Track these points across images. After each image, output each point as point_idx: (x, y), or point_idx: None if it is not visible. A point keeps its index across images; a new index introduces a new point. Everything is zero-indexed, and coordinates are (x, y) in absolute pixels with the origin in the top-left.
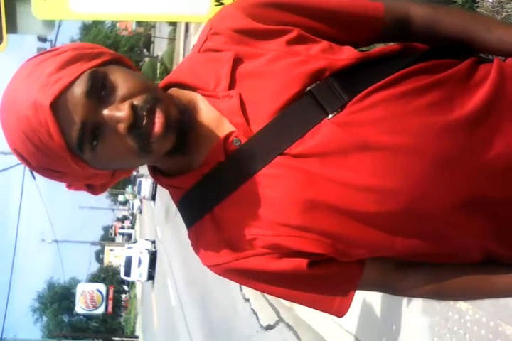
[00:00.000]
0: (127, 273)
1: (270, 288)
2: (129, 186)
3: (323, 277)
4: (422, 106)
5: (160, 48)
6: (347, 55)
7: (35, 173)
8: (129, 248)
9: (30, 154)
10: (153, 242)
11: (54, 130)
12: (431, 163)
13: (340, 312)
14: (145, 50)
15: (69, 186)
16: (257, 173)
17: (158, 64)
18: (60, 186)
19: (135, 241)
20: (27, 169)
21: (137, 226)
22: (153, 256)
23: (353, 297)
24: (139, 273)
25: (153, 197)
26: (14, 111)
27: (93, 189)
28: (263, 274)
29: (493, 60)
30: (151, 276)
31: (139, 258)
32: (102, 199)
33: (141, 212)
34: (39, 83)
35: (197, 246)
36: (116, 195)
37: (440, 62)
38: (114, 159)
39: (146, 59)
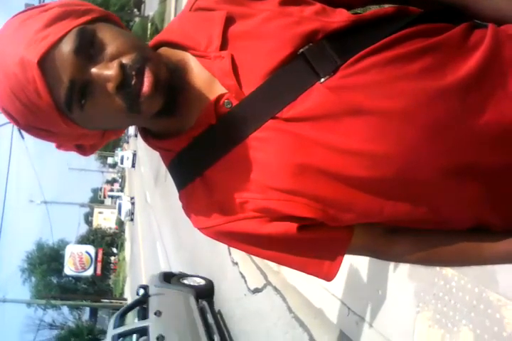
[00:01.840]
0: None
1: (260, 251)
2: (119, 149)
3: (312, 241)
4: (414, 71)
5: (151, 8)
6: (340, 17)
7: (23, 133)
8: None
9: (18, 112)
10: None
11: (42, 87)
12: (422, 128)
13: (328, 277)
14: (135, 10)
15: (59, 146)
16: (248, 137)
17: (149, 24)
18: (49, 147)
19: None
20: (15, 128)
21: (126, 189)
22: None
23: (341, 262)
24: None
25: (133, 165)
26: (1, 68)
27: (83, 149)
28: (253, 237)
29: (488, 25)
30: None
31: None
32: (92, 161)
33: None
34: (26, 40)
35: (188, 208)
36: (106, 158)
37: (434, 26)
38: (103, 118)
39: (137, 19)
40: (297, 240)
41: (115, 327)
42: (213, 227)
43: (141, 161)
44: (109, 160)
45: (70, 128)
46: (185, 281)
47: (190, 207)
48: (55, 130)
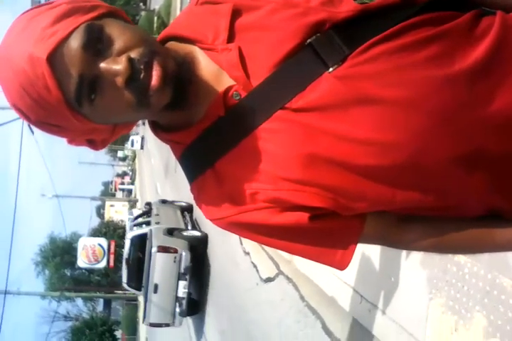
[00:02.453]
0: None
1: (272, 241)
2: (128, 142)
3: (324, 231)
4: (422, 59)
5: (156, 2)
6: (347, 7)
7: (34, 128)
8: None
9: (28, 108)
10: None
11: (51, 83)
12: (431, 117)
13: (341, 265)
14: (141, 4)
15: (70, 141)
16: (257, 128)
17: (155, 18)
18: (59, 141)
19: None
20: (25, 124)
21: (137, 181)
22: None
23: (354, 250)
24: None
25: (141, 147)
26: (11, 65)
27: (94, 144)
28: (265, 228)
29: (496, 12)
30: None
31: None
32: (102, 154)
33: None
34: (34, 37)
35: (199, 200)
36: (116, 151)
37: (441, 14)
38: (113, 113)
39: (143, 13)
40: (309, 230)
41: (131, 230)
42: (225, 218)
43: (151, 154)
44: (119, 154)
45: (81, 123)
46: (174, 203)
47: (202, 198)
48: (65, 125)
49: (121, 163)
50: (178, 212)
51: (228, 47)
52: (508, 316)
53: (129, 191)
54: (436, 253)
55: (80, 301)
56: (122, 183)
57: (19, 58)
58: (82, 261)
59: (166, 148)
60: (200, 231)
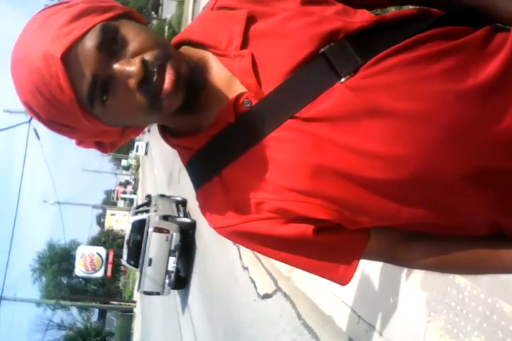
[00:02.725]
0: None
1: (274, 253)
2: (133, 151)
3: (328, 244)
4: (435, 73)
5: (168, 11)
6: (361, 17)
7: (40, 134)
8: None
9: (40, 107)
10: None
11: (64, 82)
12: (441, 132)
13: (343, 281)
14: (153, 13)
15: (79, 143)
16: (266, 136)
17: (166, 27)
18: (64, 147)
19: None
20: (31, 128)
21: (139, 191)
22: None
23: (356, 266)
24: None
25: (146, 153)
26: (25, 63)
27: (103, 147)
28: (268, 238)
29: (510, 29)
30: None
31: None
32: (105, 163)
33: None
34: (50, 35)
35: (204, 207)
36: (120, 160)
37: (456, 28)
38: (124, 115)
39: (154, 21)
40: (313, 242)
41: (132, 216)
42: (229, 227)
43: (155, 163)
44: (123, 163)
45: (91, 124)
46: (171, 197)
47: (207, 206)
48: (76, 125)
49: (124, 172)
50: (174, 205)
51: (241, 54)
52: None
53: (131, 200)
54: (439, 273)
55: (75, 310)
56: (124, 192)
57: (34, 56)
58: (79, 270)
59: (171, 159)
60: (190, 218)
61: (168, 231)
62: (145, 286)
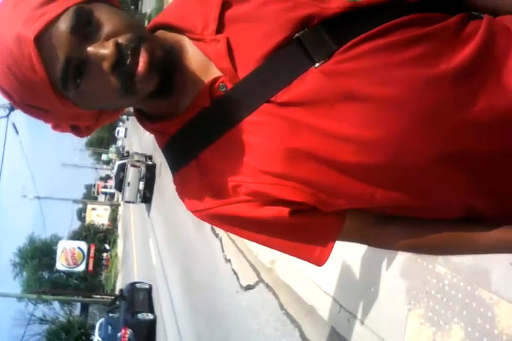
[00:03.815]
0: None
1: (252, 235)
2: (113, 145)
3: (304, 226)
4: (408, 59)
5: (148, 5)
6: (336, 4)
7: (18, 128)
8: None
9: (13, 89)
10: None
11: (37, 64)
12: (414, 116)
13: (319, 262)
14: (133, 7)
15: (55, 127)
16: (242, 120)
17: (146, 21)
18: (43, 142)
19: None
20: (10, 123)
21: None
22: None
23: (332, 247)
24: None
25: (125, 136)
26: None
27: (78, 131)
28: (245, 221)
29: (484, 16)
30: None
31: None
32: (85, 157)
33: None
34: (23, 16)
35: (182, 191)
36: (100, 154)
37: (430, 15)
38: (98, 98)
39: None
40: (289, 225)
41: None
42: (206, 210)
43: (133, 142)
44: (103, 157)
45: (65, 107)
46: (142, 153)
47: (184, 189)
48: (50, 108)
49: (104, 166)
50: (144, 157)
51: (217, 38)
52: (486, 328)
53: (112, 195)
54: (415, 253)
55: (56, 304)
56: (105, 187)
57: (7, 37)
58: (60, 264)
59: (145, 141)
60: (152, 162)
61: (139, 167)
62: (126, 198)
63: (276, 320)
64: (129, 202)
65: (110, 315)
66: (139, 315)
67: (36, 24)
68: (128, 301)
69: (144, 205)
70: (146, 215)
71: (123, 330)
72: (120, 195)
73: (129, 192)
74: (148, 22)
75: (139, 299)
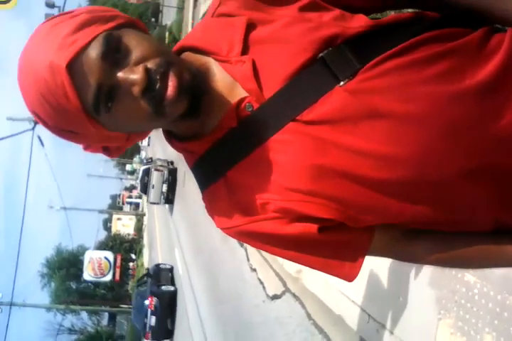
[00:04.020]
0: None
1: (281, 252)
2: (137, 156)
3: (332, 242)
4: (432, 75)
5: (168, 17)
6: (358, 22)
7: (43, 140)
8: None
9: (47, 115)
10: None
11: (70, 91)
12: (439, 132)
13: (349, 277)
14: (153, 19)
15: (86, 148)
16: (269, 139)
17: (167, 33)
18: (69, 154)
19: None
20: (35, 136)
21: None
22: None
23: (362, 263)
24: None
25: (148, 144)
26: (31, 72)
27: (109, 151)
28: (274, 238)
29: (507, 29)
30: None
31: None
32: (110, 168)
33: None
34: (55, 45)
35: (211, 209)
36: (124, 165)
37: (452, 30)
38: (128, 121)
39: (155, 28)
40: (318, 241)
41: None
42: (235, 227)
43: (156, 150)
44: (128, 167)
45: (97, 131)
46: (164, 159)
47: (213, 207)
48: (82, 132)
49: (129, 176)
50: (166, 162)
51: (242, 60)
52: None
53: (137, 204)
54: (445, 267)
55: (84, 314)
56: (130, 197)
57: (39, 66)
58: (87, 274)
59: (169, 148)
60: (173, 166)
61: (162, 171)
62: (150, 199)
63: (304, 330)
64: (153, 203)
65: (139, 288)
66: (163, 287)
67: (67, 52)
68: (154, 277)
69: (167, 206)
70: (169, 216)
71: (150, 298)
72: (145, 199)
73: (153, 194)
74: (169, 34)
75: (162, 276)
